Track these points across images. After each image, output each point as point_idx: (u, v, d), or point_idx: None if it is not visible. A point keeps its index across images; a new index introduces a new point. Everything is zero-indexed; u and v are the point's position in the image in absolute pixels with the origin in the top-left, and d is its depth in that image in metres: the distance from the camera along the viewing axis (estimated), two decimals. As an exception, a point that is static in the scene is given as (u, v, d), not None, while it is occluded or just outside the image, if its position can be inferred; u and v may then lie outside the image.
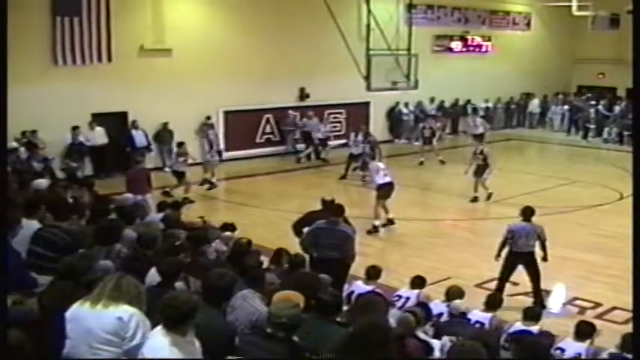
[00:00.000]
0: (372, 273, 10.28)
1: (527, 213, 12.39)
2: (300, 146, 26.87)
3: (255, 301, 6.95)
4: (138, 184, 16.08)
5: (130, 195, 14.21)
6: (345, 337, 5.50)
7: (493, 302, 9.67)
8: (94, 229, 8.86)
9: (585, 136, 32.26)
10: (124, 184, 16.27)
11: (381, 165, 17.75)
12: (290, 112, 26.89)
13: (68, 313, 5.58)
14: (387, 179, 17.21)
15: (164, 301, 5.33)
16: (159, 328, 5.23)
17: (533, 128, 35.11)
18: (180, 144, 21.14)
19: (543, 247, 12.37)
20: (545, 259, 12.40)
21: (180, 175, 20.09)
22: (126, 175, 17.02)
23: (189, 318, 5.24)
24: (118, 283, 5.58)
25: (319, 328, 6.19)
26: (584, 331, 8.47)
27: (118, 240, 8.57)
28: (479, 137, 25.08)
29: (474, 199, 19.79)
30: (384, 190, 17.11)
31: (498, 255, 12.44)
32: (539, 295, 12.32)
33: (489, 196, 19.64)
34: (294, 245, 11.27)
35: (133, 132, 23.08)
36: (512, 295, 12.45)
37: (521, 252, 12.21)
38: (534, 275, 12.28)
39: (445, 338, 7.91)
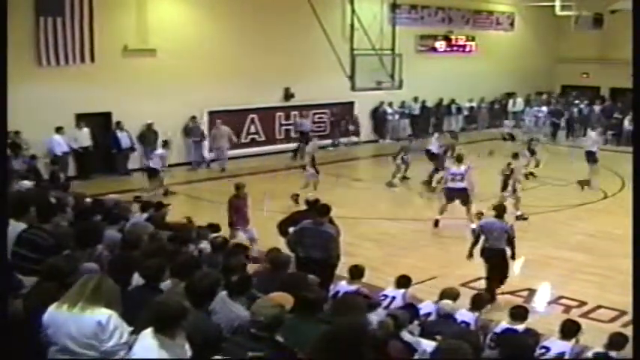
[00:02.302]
0: (355, 272, 10.28)
1: (499, 210, 12.72)
2: (210, 155, 25.43)
3: (236, 306, 6.89)
4: (242, 214, 14.61)
5: (113, 196, 14.10)
6: (320, 336, 5.50)
7: (478, 302, 9.67)
8: (74, 232, 8.81)
9: (568, 136, 32.46)
10: (107, 185, 16.05)
11: (452, 168, 17.56)
12: (197, 119, 25.08)
13: (45, 317, 5.53)
14: (453, 184, 17.19)
15: (153, 304, 5.35)
16: (148, 330, 5.22)
17: (516, 128, 35.12)
18: (165, 142, 21.43)
19: (511, 244, 12.38)
20: (512, 257, 12.49)
21: (153, 173, 20.09)
22: (229, 203, 14.75)
23: (178, 321, 5.23)
24: (99, 285, 5.53)
25: (300, 327, 6.18)
26: (570, 329, 8.48)
27: (98, 242, 8.51)
28: (591, 157, 22.35)
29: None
30: (448, 194, 17.39)
31: (470, 254, 12.64)
32: (493, 291, 12.26)
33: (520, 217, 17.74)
34: (280, 245, 11.26)
35: (118, 133, 23.01)
36: (498, 294, 12.50)
37: (492, 248, 12.38)
38: (499, 273, 12.38)
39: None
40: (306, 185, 19.91)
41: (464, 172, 17.13)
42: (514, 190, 18.27)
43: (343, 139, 29.45)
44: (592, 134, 24.08)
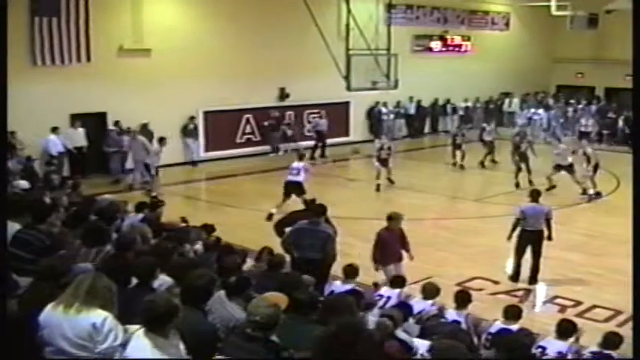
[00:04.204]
0: (349, 272, 10.28)
1: (535, 195, 13.80)
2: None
3: (232, 306, 6.89)
4: (393, 248, 12.38)
5: (108, 196, 14.04)
6: (318, 336, 5.50)
7: (462, 299, 9.64)
8: (82, 232, 8.79)
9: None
10: (102, 185, 15.96)
11: (293, 164, 18.84)
12: (111, 128, 23.19)
13: (42, 318, 5.50)
14: (291, 177, 18.47)
15: (143, 303, 5.30)
16: (141, 330, 5.20)
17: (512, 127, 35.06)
18: (161, 139, 21.41)
19: (548, 226, 13.41)
20: (549, 237, 13.47)
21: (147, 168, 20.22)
22: (379, 237, 12.26)
23: (169, 319, 5.21)
24: (93, 286, 5.48)
25: (294, 328, 6.18)
26: (566, 329, 8.48)
27: (107, 241, 8.51)
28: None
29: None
30: (285, 187, 18.52)
31: (510, 236, 13.60)
32: (536, 271, 13.52)
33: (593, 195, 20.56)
34: (275, 245, 11.25)
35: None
36: (493, 294, 12.52)
37: (531, 230, 13.40)
38: (537, 252, 13.48)
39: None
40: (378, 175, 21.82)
41: (301, 168, 18.55)
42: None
43: (282, 145, 27.82)
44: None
